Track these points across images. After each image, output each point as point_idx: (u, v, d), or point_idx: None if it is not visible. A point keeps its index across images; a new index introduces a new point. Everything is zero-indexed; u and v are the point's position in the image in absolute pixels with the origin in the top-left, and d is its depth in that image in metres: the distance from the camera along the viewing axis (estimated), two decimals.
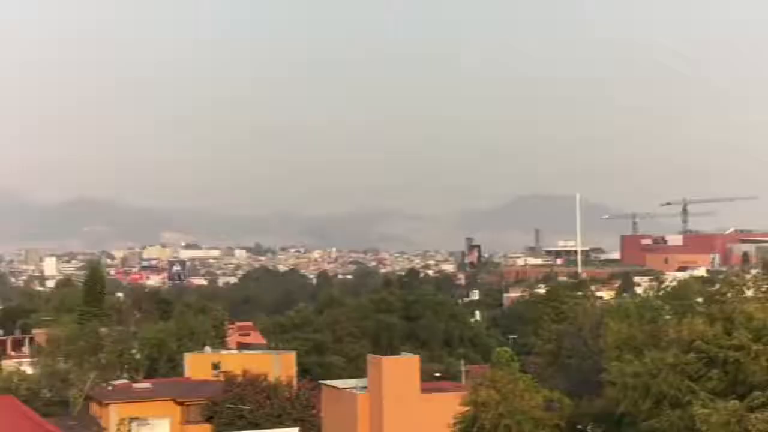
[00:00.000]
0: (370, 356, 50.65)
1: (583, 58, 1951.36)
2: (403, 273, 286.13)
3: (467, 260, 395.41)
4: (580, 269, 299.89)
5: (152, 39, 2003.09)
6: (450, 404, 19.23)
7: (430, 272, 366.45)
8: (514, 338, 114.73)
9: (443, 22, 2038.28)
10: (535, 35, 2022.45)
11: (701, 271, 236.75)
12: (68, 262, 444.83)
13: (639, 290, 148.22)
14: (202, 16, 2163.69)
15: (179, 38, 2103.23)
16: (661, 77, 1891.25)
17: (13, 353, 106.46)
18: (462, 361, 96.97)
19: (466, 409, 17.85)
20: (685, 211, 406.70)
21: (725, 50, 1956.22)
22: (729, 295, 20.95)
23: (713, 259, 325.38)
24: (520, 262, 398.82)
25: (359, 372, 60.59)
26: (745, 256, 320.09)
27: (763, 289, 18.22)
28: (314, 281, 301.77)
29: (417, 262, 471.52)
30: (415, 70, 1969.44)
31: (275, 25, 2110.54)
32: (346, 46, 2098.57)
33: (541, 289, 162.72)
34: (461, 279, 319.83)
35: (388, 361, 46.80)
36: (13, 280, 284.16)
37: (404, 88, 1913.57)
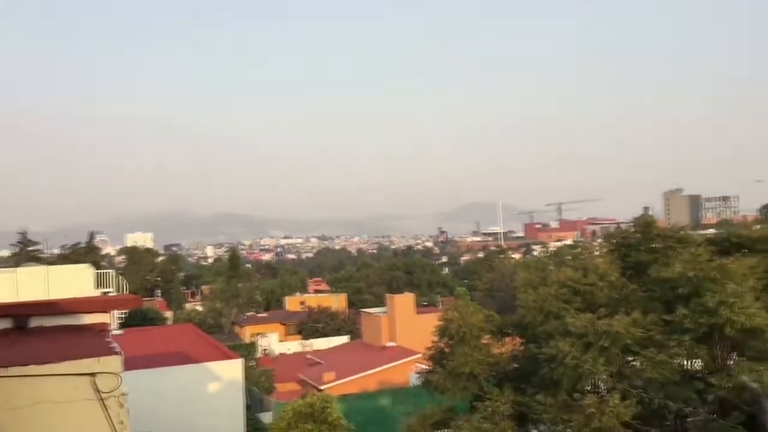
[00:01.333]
0: (387, 295, 50.58)
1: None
2: (404, 248, 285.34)
3: (439, 240, 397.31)
4: (502, 242, 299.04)
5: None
6: (432, 320, 19.37)
7: (419, 247, 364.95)
8: (466, 282, 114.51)
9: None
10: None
11: (569, 242, 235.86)
12: (219, 248, 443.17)
13: (535, 253, 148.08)
14: None
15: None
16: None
17: (191, 299, 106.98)
18: (438, 296, 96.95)
19: (441, 323, 18.01)
20: (559, 208, 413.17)
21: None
22: (585, 255, 21.05)
23: (576, 235, 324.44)
24: (469, 239, 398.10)
25: (382, 303, 60.61)
26: (594, 233, 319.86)
27: (604, 251, 18.43)
28: (355, 254, 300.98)
29: (411, 242, 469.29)
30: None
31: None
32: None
33: (481, 255, 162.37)
34: (437, 250, 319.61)
35: (397, 297, 46.67)
36: (189, 259, 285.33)
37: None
